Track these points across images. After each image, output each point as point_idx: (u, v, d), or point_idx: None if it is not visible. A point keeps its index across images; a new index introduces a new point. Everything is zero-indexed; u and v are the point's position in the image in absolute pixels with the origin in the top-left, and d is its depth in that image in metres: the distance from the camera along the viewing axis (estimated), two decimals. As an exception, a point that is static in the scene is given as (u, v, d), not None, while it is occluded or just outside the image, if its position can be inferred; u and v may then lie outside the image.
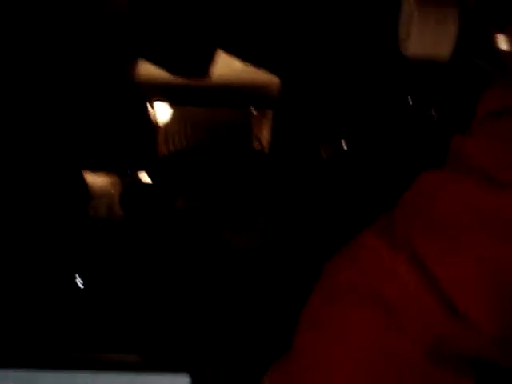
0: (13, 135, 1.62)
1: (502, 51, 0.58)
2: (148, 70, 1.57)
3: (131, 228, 1.87)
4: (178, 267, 1.30)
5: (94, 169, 1.89)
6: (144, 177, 2.06)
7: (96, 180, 1.93)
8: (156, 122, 1.87)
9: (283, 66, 1.46)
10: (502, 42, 0.56)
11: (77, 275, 1.74)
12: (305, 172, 1.74)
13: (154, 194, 2.10)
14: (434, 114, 1.14)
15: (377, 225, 0.80)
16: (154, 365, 1.16)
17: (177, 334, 1.19)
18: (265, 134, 1.86)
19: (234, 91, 1.65)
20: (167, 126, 1.92)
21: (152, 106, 1.81)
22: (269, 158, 1.87)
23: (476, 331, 0.71)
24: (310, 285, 0.87)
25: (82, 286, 1.75)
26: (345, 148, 1.51)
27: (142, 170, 2.02)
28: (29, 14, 1.42)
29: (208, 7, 1.34)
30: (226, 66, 1.53)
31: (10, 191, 1.65)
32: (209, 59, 1.43)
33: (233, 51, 1.40)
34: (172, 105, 1.83)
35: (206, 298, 1.19)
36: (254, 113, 1.86)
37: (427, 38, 0.62)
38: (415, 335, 0.72)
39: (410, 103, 1.19)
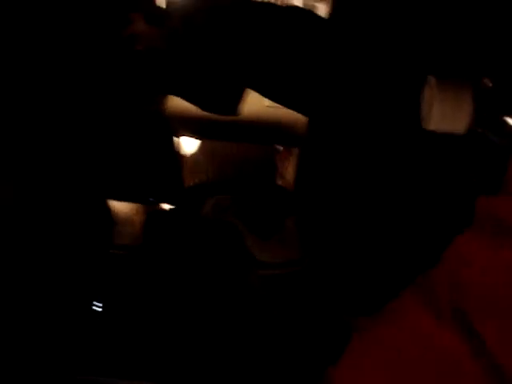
0: (43, 162, 1.65)
1: (509, 128, 0.63)
2: (177, 104, 1.60)
3: (152, 256, 1.90)
4: (196, 297, 1.30)
5: (121, 197, 1.92)
6: (168, 206, 2.09)
7: (121, 208, 1.96)
8: (183, 155, 1.90)
9: (310, 106, 1.48)
10: (509, 121, 0.61)
11: (97, 300, 1.76)
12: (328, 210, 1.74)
13: (176, 224, 2.12)
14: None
15: (417, 288, 0.80)
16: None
17: (191, 363, 1.19)
18: (289, 171, 1.88)
19: (260, 128, 1.67)
20: (194, 158, 1.95)
21: (180, 139, 1.85)
22: (293, 195, 1.89)
23: None
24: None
25: (100, 310, 1.76)
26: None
27: (166, 200, 2.05)
28: (63, 47, 1.46)
29: (239, 46, 1.36)
30: (254, 104, 1.55)
31: (38, 215, 1.68)
32: (239, 97, 1.45)
33: (261, 91, 1.42)
34: (199, 138, 1.86)
35: (225, 330, 1.18)
36: (280, 150, 1.88)
37: (446, 117, 0.68)
38: None
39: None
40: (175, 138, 1.83)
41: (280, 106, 1.51)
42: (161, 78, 1.39)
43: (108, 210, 1.89)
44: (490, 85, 0.67)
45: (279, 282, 0.98)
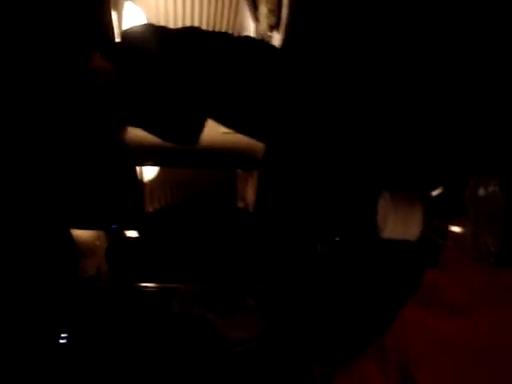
0: (3, 196, 1.65)
1: (455, 234, 0.74)
2: (136, 133, 1.62)
3: (119, 287, 1.91)
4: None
5: (83, 227, 1.93)
6: (130, 233, 2.10)
7: (84, 236, 1.97)
8: (143, 182, 1.92)
9: (265, 131, 1.51)
10: (455, 229, 0.73)
11: (63, 333, 1.77)
12: (287, 232, 1.78)
13: (139, 249, 2.13)
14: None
15: (372, 351, 0.93)
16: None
17: None
18: (249, 193, 1.91)
19: (218, 154, 1.69)
20: (154, 185, 1.97)
21: (140, 167, 1.86)
22: (253, 216, 1.92)
23: None
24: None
25: (67, 343, 1.77)
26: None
27: (128, 226, 2.06)
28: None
29: (192, 76, 1.39)
30: (210, 131, 1.57)
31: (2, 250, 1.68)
32: (199, 127, 1.48)
33: (217, 118, 1.45)
34: (159, 166, 1.88)
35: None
36: (239, 173, 1.91)
37: (399, 227, 0.79)
38: None
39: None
40: (135, 167, 1.84)
41: (236, 132, 1.54)
42: (120, 110, 1.41)
43: (72, 241, 1.90)
44: (437, 196, 0.78)
45: (252, 354, 1.06)
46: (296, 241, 1.91)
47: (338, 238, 1.57)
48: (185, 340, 1.10)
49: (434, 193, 0.80)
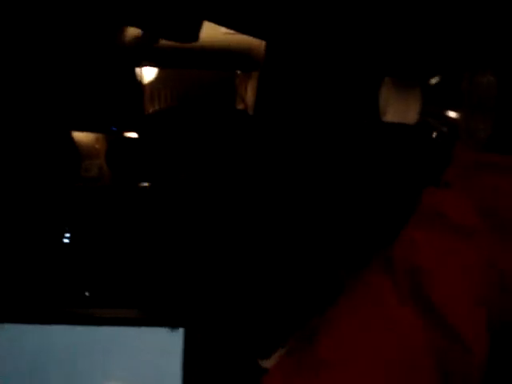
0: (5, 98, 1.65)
1: (453, 119, 0.81)
2: (135, 33, 1.60)
3: (121, 187, 1.92)
4: (170, 223, 1.33)
5: (84, 129, 1.93)
6: (129, 134, 2.11)
7: (86, 140, 1.97)
8: (143, 83, 1.91)
9: (268, 30, 1.49)
10: (453, 113, 0.79)
11: (68, 233, 1.80)
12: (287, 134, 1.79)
13: (138, 150, 2.14)
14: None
15: (381, 269, 0.94)
16: (150, 319, 1.22)
17: (172, 290, 1.23)
18: (249, 95, 1.90)
19: (218, 54, 1.68)
20: (153, 86, 1.96)
21: (139, 68, 1.85)
22: (252, 118, 1.92)
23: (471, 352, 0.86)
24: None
25: (73, 242, 1.80)
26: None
27: (128, 127, 2.06)
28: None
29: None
30: (211, 31, 1.55)
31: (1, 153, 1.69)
32: (198, 24, 1.46)
33: (217, 19, 1.43)
34: (158, 66, 1.87)
35: (201, 254, 1.21)
36: (239, 74, 1.90)
37: (400, 110, 0.85)
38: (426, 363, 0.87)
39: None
40: (135, 67, 1.83)
41: (236, 32, 1.52)
42: (120, 8, 1.39)
43: (73, 143, 1.90)
44: (435, 84, 0.85)
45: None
46: (294, 142, 1.92)
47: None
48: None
49: (433, 81, 0.86)
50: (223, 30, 1.59)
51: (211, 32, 1.57)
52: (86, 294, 1.72)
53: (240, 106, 1.96)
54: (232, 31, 1.56)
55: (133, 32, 1.59)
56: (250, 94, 1.90)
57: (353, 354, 0.91)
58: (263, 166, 1.88)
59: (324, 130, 1.73)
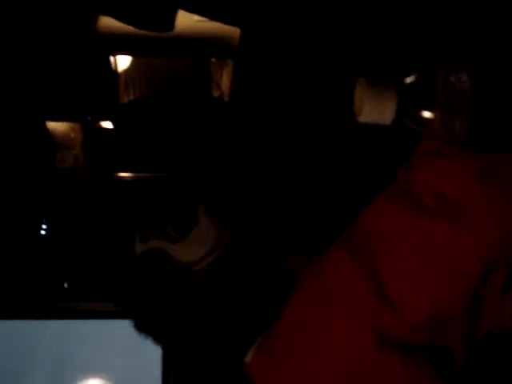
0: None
1: (425, 119, 0.81)
2: (110, 22, 1.58)
3: (95, 178, 1.91)
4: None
5: (58, 118, 1.91)
6: (105, 123, 2.09)
7: (61, 130, 1.95)
8: (117, 72, 1.89)
9: (243, 17, 1.49)
10: (426, 114, 0.81)
11: (44, 224, 1.78)
12: (263, 122, 1.79)
13: (114, 140, 2.13)
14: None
15: (343, 242, 1.00)
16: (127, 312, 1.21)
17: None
18: (225, 82, 1.89)
19: (192, 42, 1.66)
20: (128, 75, 1.94)
21: (113, 57, 1.83)
22: (228, 105, 1.91)
23: (405, 317, 0.91)
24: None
25: (50, 234, 1.79)
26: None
27: (103, 117, 2.05)
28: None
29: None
30: (184, 19, 1.54)
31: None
32: (173, 13, 1.45)
33: (190, 7, 1.42)
34: (133, 55, 1.85)
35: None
36: (214, 62, 1.89)
37: (375, 111, 0.84)
38: (364, 326, 0.92)
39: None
40: (110, 57, 1.81)
41: (210, 20, 1.51)
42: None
43: (48, 133, 1.88)
44: (410, 83, 0.84)
45: (214, 267, 1.09)
46: (269, 132, 1.92)
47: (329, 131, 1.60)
48: (149, 275, 1.13)
49: (408, 80, 0.85)
50: (196, 17, 1.58)
51: (185, 20, 1.56)
52: (65, 285, 1.71)
53: (216, 94, 1.95)
54: (205, 19, 1.55)
55: (106, 20, 1.58)
56: (225, 81, 1.89)
57: (311, 335, 0.96)
58: (238, 152, 1.89)
59: (296, 117, 1.74)
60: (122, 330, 1.21)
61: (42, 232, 1.81)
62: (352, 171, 1.62)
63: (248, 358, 1.06)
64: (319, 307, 0.98)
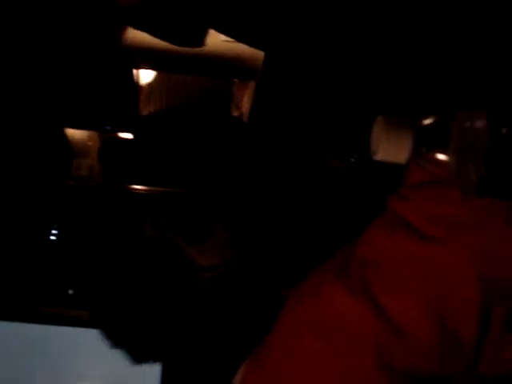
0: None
1: (440, 161, 0.82)
2: (136, 35, 1.60)
3: (109, 188, 1.92)
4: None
5: (78, 127, 1.93)
6: (123, 134, 2.11)
7: (79, 138, 1.97)
8: (140, 85, 1.91)
9: (268, 41, 1.50)
10: (441, 156, 0.82)
11: (55, 230, 1.79)
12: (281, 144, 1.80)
13: (130, 151, 2.14)
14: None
15: (336, 264, 1.00)
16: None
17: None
18: (245, 103, 1.91)
19: (216, 62, 1.68)
20: (150, 88, 1.96)
21: (137, 70, 1.85)
22: (246, 126, 1.92)
23: (414, 344, 0.90)
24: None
25: (59, 240, 1.80)
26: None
27: (122, 127, 2.06)
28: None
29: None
30: (210, 38, 1.56)
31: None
32: (204, 30, 1.47)
33: (220, 28, 1.44)
34: (156, 70, 1.87)
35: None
36: (236, 82, 1.90)
37: (391, 151, 0.85)
38: (366, 353, 0.91)
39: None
40: (133, 69, 1.83)
41: (235, 41, 1.53)
42: (123, 9, 1.39)
43: (66, 140, 1.90)
44: (427, 125, 0.84)
45: (221, 279, 1.10)
46: (285, 157, 1.92)
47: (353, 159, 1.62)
48: (154, 260, 1.13)
49: (425, 122, 0.85)
50: (223, 37, 1.60)
51: (211, 39, 1.58)
52: (70, 292, 1.71)
53: (235, 114, 1.96)
54: (231, 39, 1.57)
55: (133, 34, 1.59)
56: (245, 102, 1.91)
57: (300, 361, 0.96)
58: (255, 170, 1.89)
59: (314, 143, 1.75)
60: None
61: (52, 237, 1.81)
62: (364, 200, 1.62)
63: (237, 377, 1.06)
64: (309, 332, 0.97)
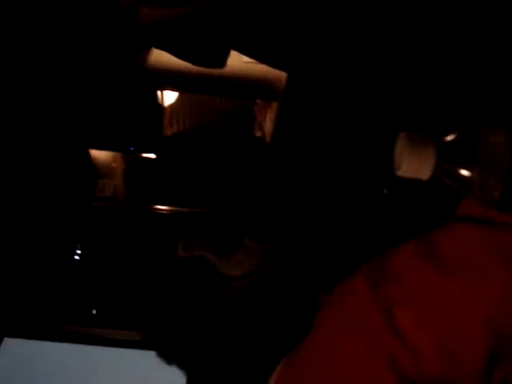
0: (23, 114, 1.67)
1: (463, 177, 0.83)
2: (159, 56, 1.62)
3: (133, 209, 1.94)
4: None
5: (102, 147, 1.94)
6: (146, 154, 2.12)
7: (103, 159, 1.99)
8: (163, 106, 1.93)
9: (290, 62, 1.51)
10: (464, 172, 0.82)
11: (78, 250, 1.81)
12: (303, 164, 1.80)
13: (155, 171, 2.15)
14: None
15: (367, 273, 0.99)
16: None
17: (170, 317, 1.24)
18: (268, 124, 1.91)
19: (238, 83, 1.69)
20: (173, 109, 1.98)
21: (161, 91, 1.87)
22: (269, 146, 1.93)
23: (421, 360, 0.88)
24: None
25: (83, 260, 1.81)
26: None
27: (145, 148, 2.08)
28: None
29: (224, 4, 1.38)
30: (232, 59, 1.57)
31: (20, 168, 1.71)
32: (226, 51, 1.48)
33: (240, 48, 1.45)
34: (180, 91, 1.89)
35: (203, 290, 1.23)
36: (259, 103, 1.91)
37: (413, 167, 0.86)
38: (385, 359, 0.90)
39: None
40: (156, 90, 1.85)
41: (258, 62, 1.54)
42: (147, 29, 1.41)
43: (90, 161, 1.92)
44: (450, 141, 0.85)
45: (255, 286, 1.11)
46: (308, 178, 1.93)
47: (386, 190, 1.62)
48: (189, 280, 1.15)
49: (448, 138, 0.86)
50: (245, 58, 1.61)
51: (234, 60, 1.59)
52: (93, 312, 1.72)
53: (258, 134, 1.97)
54: (254, 60, 1.58)
55: (157, 55, 1.61)
56: (268, 122, 1.91)
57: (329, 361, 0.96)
58: (276, 191, 1.89)
59: (337, 164, 1.75)
60: (146, 361, 1.22)
61: (76, 257, 1.82)
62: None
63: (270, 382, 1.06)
64: (337, 336, 0.97)
